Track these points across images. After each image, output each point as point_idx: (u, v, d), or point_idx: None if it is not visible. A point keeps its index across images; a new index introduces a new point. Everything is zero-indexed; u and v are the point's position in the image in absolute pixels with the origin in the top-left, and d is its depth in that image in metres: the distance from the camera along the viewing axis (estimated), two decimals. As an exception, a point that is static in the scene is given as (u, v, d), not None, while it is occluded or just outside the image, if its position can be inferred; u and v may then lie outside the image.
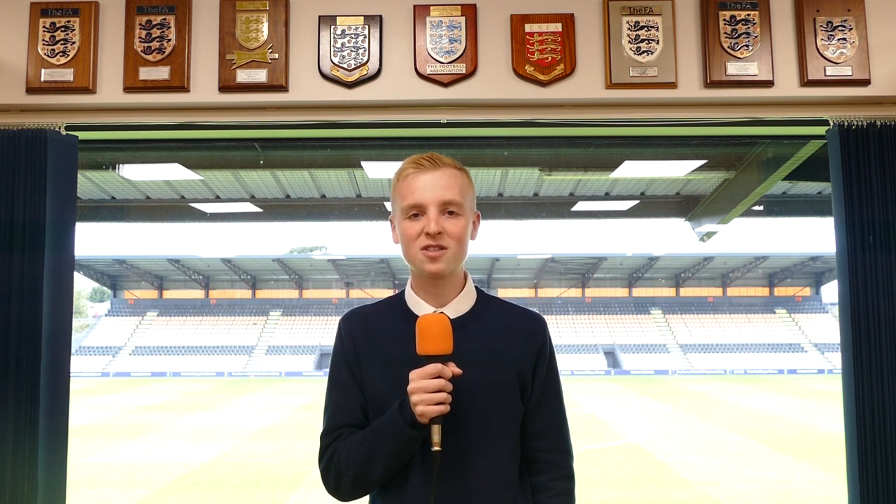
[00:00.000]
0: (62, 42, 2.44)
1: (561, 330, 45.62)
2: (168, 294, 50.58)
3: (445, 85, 2.45)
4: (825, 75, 2.42)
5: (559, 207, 10.57)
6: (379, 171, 7.67)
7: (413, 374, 1.55)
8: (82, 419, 19.80)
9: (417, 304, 1.72)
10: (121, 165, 7.62)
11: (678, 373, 40.99)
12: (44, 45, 2.44)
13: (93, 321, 49.12)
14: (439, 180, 1.66)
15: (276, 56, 2.44)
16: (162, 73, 2.43)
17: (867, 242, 2.38)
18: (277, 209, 10.34)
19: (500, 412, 1.68)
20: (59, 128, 2.49)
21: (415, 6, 2.47)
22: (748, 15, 2.45)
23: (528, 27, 2.45)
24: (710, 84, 2.43)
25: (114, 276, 49.20)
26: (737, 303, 49.27)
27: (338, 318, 1.78)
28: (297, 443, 15.96)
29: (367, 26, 2.47)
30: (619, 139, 4.64)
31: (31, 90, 2.44)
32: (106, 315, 49.56)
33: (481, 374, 1.66)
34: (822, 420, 19.49)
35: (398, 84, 2.46)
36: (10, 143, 2.43)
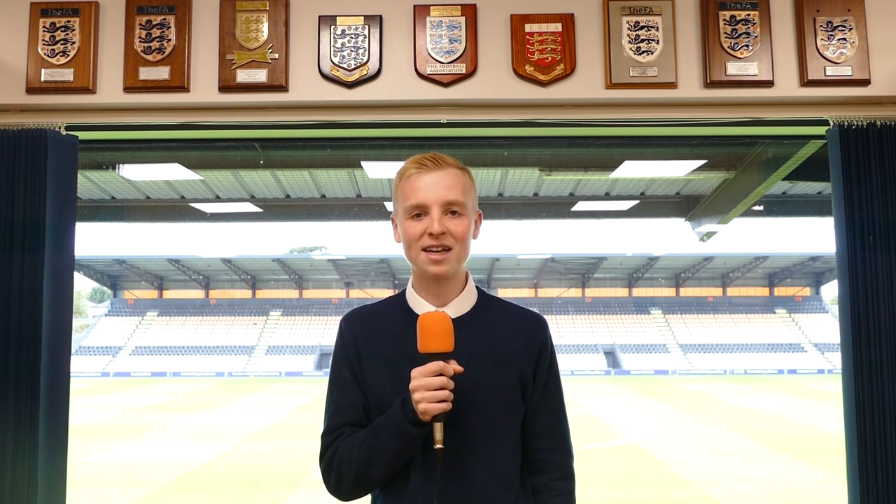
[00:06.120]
0: (62, 42, 2.44)
1: (561, 330, 45.57)
2: (168, 294, 50.57)
3: (445, 85, 2.45)
4: (825, 75, 2.42)
5: (559, 207, 10.56)
6: (379, 171, 7.67)
7: (415, 372, 1.55)
8: (82, 419, 19.78)
9: (418, 304, 1.72)
10: (121, 165, 7.62)
11: (678, 373, 40.97)
12: (44, 45, 2.44)
13: (93, 321, 49.08)
14: (442, 180, 1.66)
15: (276, 56, 2.44)
16: (162, 73, 2.43)
17: (867, 242, 2.39)
18: (277, 209, 10.33)
19: (501, 412, 1.68)
20: (59, 128, 2.49)
21: (415, 6, 2.48)
22: (748, 15, 2.45)
23: (528, 27, 2.45)
24: (710, 84, 2.43)
25: (114, 276, 49.19)
26: (737, 303, 49.25)
27: (338, 318, 1.78)
28: (297, 443, 15.93)
29: (367, 26, 2.47)
30: (619, 139, 4.65)
31: (31, 90, 2.44)
32: (106, 315, 49.54)
33: (482, 374, 1.66)
34: (822, 420, 19.47)
35: (398, 84, 2.46)
36: (10, 143, 2.43)
